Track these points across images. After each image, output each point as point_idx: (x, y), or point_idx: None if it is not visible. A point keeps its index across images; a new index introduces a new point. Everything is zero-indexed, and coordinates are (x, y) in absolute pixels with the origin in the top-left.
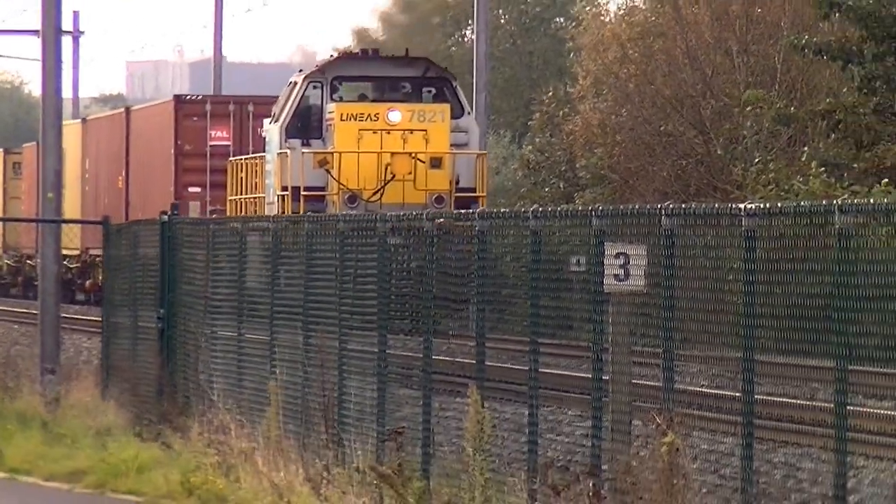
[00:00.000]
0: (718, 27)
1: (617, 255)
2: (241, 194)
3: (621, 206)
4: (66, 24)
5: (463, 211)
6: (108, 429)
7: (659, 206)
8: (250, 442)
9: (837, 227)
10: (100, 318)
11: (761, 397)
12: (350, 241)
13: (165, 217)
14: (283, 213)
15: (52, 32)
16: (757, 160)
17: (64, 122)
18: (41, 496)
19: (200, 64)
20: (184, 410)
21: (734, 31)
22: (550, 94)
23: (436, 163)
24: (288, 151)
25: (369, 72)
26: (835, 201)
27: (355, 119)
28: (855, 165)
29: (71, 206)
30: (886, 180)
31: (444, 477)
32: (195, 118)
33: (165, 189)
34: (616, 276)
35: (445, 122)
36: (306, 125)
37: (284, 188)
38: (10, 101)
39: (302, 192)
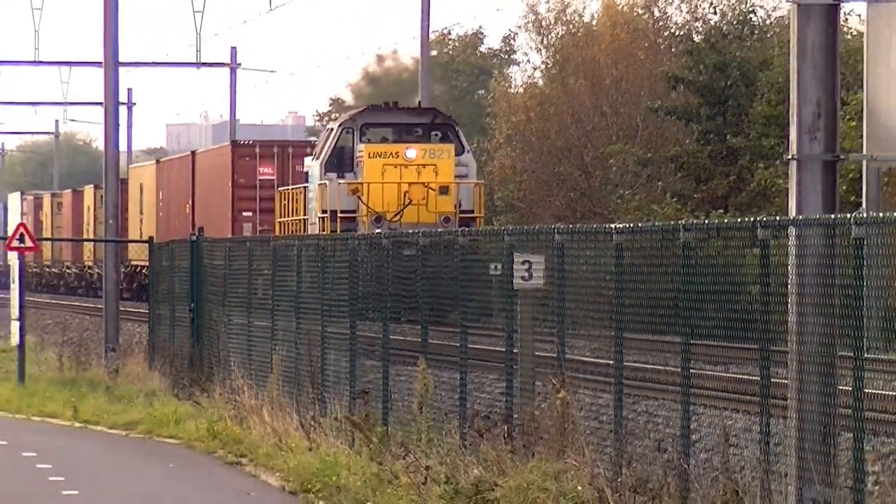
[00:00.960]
0: (595, 95)
1: (523, 262)
2: (288, 217)
3: (526, 227)
4: (122, 97)
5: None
6: (154, 391)
7: (553, 227)
8: (258, 400)
9: (682, 241)
10: (146, 311)
11: (629, 364)
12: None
13: (194, 237)
14: (324, 231)
15: (111, 105)
16: (626, 192)
17: (142, 164)
18: (106, 440)
19: (220, 126)
20: (209, 377)
21: (607, 98)
22: (475, 146)
23: (444, 190)
24: (327, 182)
25: (390, 119)
26: (680, 222)
27: (380, 157)
28: (696, 195)
29: (148, 227)
30: (722, 210)
31: (398, 424)
32: (247, 158)
33: (225, 214)
34: (522, 277)
35: (451, 158)
36: (341, 162)
37: (324, 211)
38: (85, 153)
39: (339, 215)
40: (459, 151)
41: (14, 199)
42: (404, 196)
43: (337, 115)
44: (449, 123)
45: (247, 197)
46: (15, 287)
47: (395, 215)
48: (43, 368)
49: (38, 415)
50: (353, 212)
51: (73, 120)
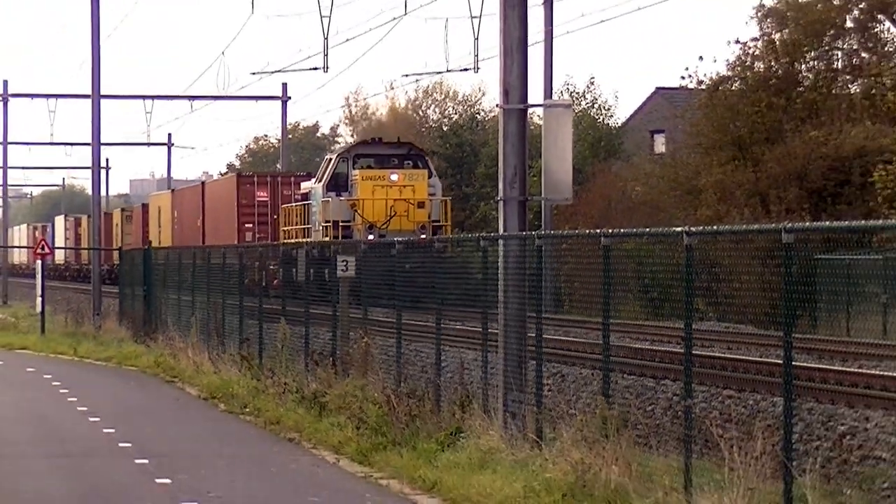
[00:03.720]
0: None
1: (343, 261)
2: (291, 227)
3: (344, 240)
4: (102, 163)
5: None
6: (122, 339)
7: (359, 241)
8: (184, 344)
9: (436, 248)
10: (117, 291)
11: (405, 321)
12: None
13: (147, 246)
14: (327, 237)
15: (96, 168)
16: None
17: (159, 193)
18: (93, 367)
19: (162, 181)
20: (154, 330)
21: None
22: None
23: (420, 205)
24: (329, 199)
25: (375, 151)
26: (436, 238)
27: (371, 179)
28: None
29: (165, 238)
30: (458, 230)
31: (268, 358)
32: (248, 185)
33: (232, 226)
34: (342, 269)
35: (424, 180)
36: (338, 183)
37: (327, 221)
38: (81, 196)
39: (340, 224)
40: (430, 175)
41: (59, 221)
42: (390, 209)
43: (231, 173)
44: (420, 154)
45: (248, 213)
46: (38, 278)
47: (383, 225)
48: (55, 325)
49: (52, 353)
50: (349, 222)
51: (73, 178)
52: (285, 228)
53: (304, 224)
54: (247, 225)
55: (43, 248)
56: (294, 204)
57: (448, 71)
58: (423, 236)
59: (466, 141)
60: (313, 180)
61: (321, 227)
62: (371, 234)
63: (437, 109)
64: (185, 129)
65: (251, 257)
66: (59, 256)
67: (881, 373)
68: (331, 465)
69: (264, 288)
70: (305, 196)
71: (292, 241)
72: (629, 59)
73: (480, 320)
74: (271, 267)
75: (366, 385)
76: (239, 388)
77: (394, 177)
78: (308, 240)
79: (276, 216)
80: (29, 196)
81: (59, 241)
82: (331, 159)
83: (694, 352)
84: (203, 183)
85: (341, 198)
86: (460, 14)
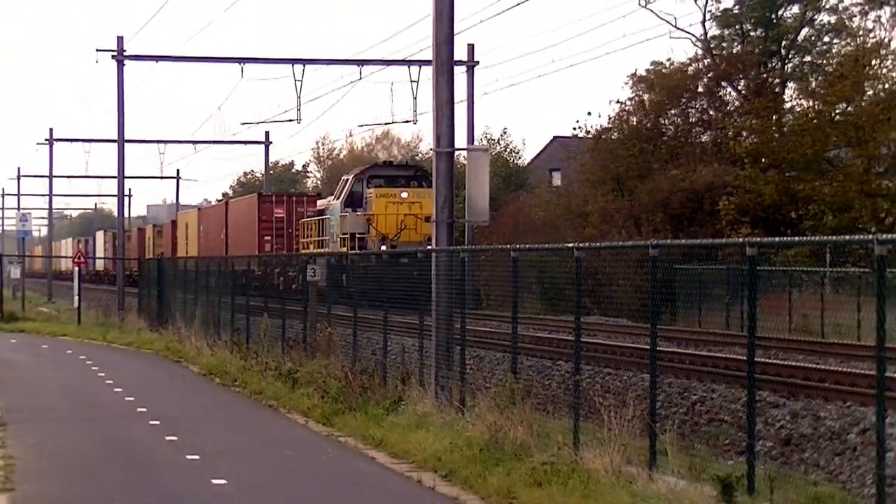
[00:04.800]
0: None
1: (311, 268)
2: (309, 238)
3: (312, 251)
4: (126, 192)
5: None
6: (140, 329)
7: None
8: (188, 332)
9: (384, 259)
10: (137, 291)
11: (360, 315)
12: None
13: (160, 256)
14: (344, 247)
15: (121, 195)
16: None
17: (186, 212)
18: (118, 351)
19: (172, 205)
20: (165, 322)
21: None
22: None
23: (427, 219)
24: (347, 214)
25: (386, 173)
26: (384, 249)
27: (384, 197)
28: None
29: (192, 249)
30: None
31: (255, 343)
32: (267, 204)
33: (253, 238)
34: (311, 275)
35: (430, 198)
36: (354, 201)
37: (345, 233)
38: (110, 218)
39: (357, 236)
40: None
41: (100, 235)
42: (401, 223)
43: (226, 201)
44: (425, 175)
45: (266, 228)
46: (76, 280)
47: (395, 237)
48: (88, 318)
49: (86, 339)
50: (364, 234)
51: (103, 203)
52: (303, 240)
53: (320, 236)
54: (266, 237)
55: (79, 258)
56: (310, 219)
57: (393, 122)
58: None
59: (315, 196)
60: (330, 198)
61: (339, 239)
62: (384, 244)
63: (385, 152)
64: (190, 166)
65: (276, 264)
66: (100, 265)
67: (724, 355)
68: (301, 425)
69: (284, 290)
70: (321, 212)
71: (310, 251)
72: (533, 113)
73: (418, 315)
74: (290, 273)
75: (329, 364)
76: (230, 367)
77: (403, 195)
78: (325, 250)
79: (290, 230)
80: (69, 217)
81: (100, 252)
82: (347, 179)
83: (582, 339)
84: (226, 202)
85: (357, 213)
86: (403, 79)
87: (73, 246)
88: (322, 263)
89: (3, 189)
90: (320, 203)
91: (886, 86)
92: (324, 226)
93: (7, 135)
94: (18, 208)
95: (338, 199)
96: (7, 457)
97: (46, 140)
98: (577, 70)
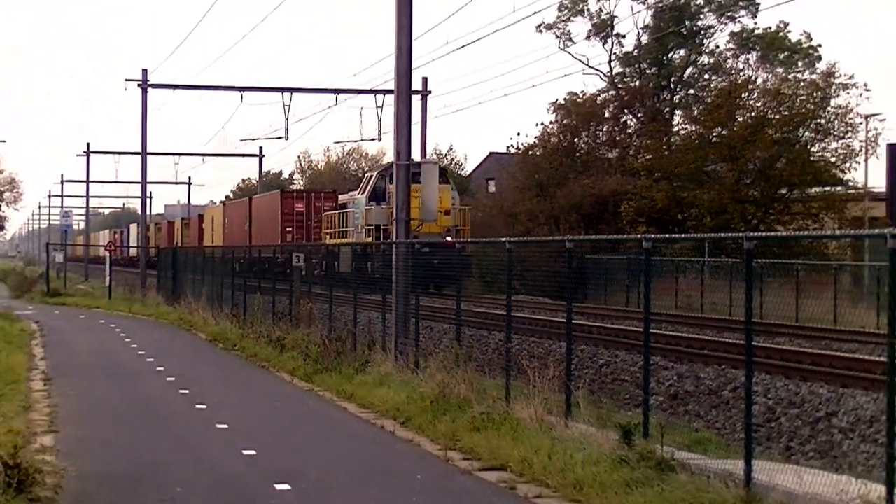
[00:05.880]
0: None
1: (296, 256)
2: (332, 229)
3: (294, 244)
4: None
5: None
6: (158, 303)
7: (303, 244)
8: (197, 306)
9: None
10: (157, 273)
11: (336, 294)
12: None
13: (174, 246)
14: (369, 238)
15: (143, 197)
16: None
17: (213, 207)
18: (141, 321)
19: (185, 206)
20: (179, 298)
21: None
22: None
23: (447, 212)
24: (372, 207)
25: (410, 169)
26: (359, 242)
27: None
28: None
29: (217, 239)
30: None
31: (250, 315)
32: (289, 199)
33: (276, 230)
34: (295, 261)
35: (448, 193)
36: (377, 195)
37: (370, 225)
38: (136, 215)
39: (382, 227)
40: (452, 189)
41: (133, 227)
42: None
43: (250, 197)
44: (443, 172)
45: (288, 221)
46: (107, 264)
47: (417, 227)
48: (117, 294)
49: (115, 311)
50: (388, 225)
51: (129, 204)
52: (327, 231)
53: (343, 227)
54: (287, 228)
55: (110, 246)
56: (333, 212)
57: (362, 140)
58: (449, 238)
59: (332, 192)
60: (353, 193)
61: (363, 230)
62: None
63: (354, 164)
64: (199, 173)
65: (301, 253)
66: (133, 252)
67: (624, 327)
68: (288, 382)
69: (305, 275)
70: (343, 206)
71: (334, 241)
72: (474, 133)
73: (381, 293)
74: (314, 261)
75: (310, 333)
76: (231, 334)
77: None
78: (349, 241)
79: (309, 222)
80: (102, 213)
81: (133, 241)
82: (371, 176)
83: (512, 314)
84: (250, 198)
85: (382, 206)
86: (370, 105)
87: (109, 236)
88: (346, 252)
89: (49, 191)
90: (342, 198)
91: (753, 114)
92: (346, 218)
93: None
94: (62, 207)
95: (362, 193)
96: (52, 405)
97: (84, 152)
98: (510, 99)
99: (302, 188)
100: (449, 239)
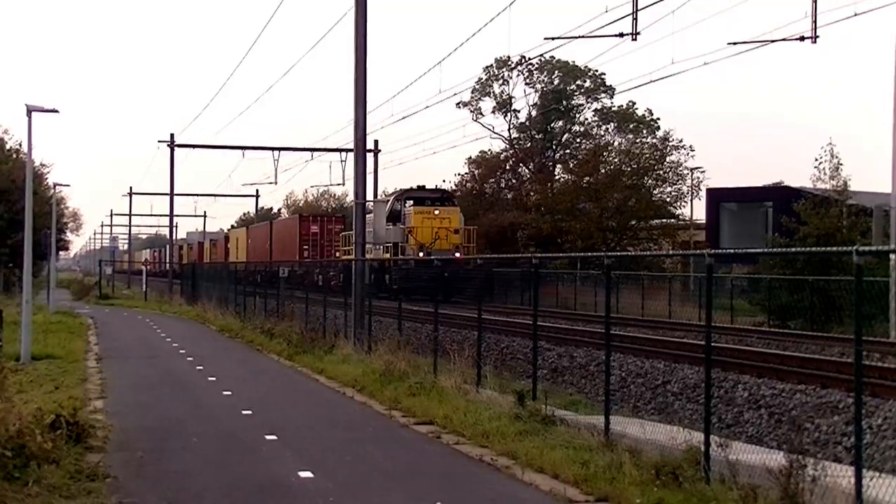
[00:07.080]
0: None
1: (282, 269)
2: (348, 247)
3: (276, 261)
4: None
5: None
6: (181, 304)
7: (287, 261)
8: (210, 305)
9: (341, 263)
10: (180, 282)
11: (311, 297)
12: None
13: (194, 262)
14: (387, 254)
15: (171, 227)
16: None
17: (237, 230)
18: (168, 317)
19: (200, 233)
20: (196, 301)
21: None
22: None
23: (455, 231)
24: (390, 227)
25: (421, 194)
26: (336, 257)
27: (420, 213)
28: None
29: (241, 257)
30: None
31: (251, 314)
32: (305, 223)
33: (294, 250)
34: (280, 272)
35: (457, 215)
36: (395, 216)
37: (388, 243)
38: (164, 239)
39: (399, 245)
40: (459, 212)
41: (168, 247)
42: (435, 234)
43: (270, 221)
44: (451, 197)
45: (305, 240)
46: (144, 275)
47: (430, 244)
48: (151, 297)
49: (150, 310)
50: (404, 243)
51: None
52: (342, 248)
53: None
54: (304, 247)
55: (146, 263)
56: (349, 232)
57: (331, 185)
58: (457, 254)
59: (340, 217)
60: (368, 215)
61: (381, 247)
62: (421, 252)
63: (326, 204)
64: (211, 208)
65: (321, 268)
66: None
67: (520, 320)
68: (276, 361)
69: (323, 286)
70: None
71: (348, 258)
72: (412, 180)
73: (344, 297)
74: (331, 274)
75: (292, 325)
76: (235, 326)
77: (436, 211)
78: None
79: (322, 242)
80: (140, 238)
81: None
82: (389, 200)
83: (440, 311)
84: (271, 222)
85: (398, 226)
86: (337, 160)
87: (150, 254)
88: (287, 266)
89: (102, 221)
90: (373, 217)
91: (611, 167)
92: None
93: (105, 187)
94: (111, 234)
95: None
96: (103, 378)
97: (128, 193)
98: (438, 155)
99: (317, 213)
100: (458, 255)
